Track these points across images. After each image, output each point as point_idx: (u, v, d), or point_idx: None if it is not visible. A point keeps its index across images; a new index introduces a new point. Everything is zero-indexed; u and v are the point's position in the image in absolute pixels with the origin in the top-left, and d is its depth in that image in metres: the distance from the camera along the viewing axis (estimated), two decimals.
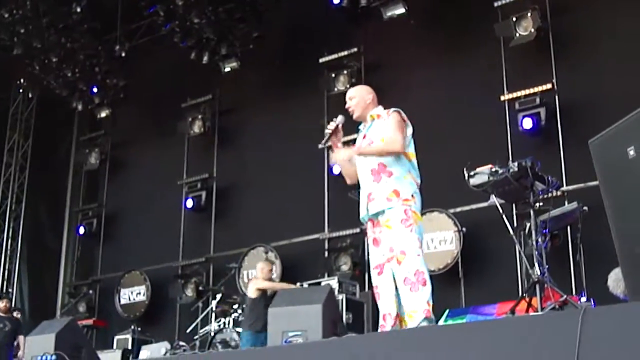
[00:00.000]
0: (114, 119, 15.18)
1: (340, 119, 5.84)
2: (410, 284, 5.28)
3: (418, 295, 5.27)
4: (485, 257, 10.10)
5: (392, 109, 5.76)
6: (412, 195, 5.48)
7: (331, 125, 5.81)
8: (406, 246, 5.35)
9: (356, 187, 6.06)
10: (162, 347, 7.41)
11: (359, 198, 6.08)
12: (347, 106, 5.95)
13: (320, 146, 5.96)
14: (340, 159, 5.73)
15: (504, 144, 10.41)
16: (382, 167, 5.56)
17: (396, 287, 5.42)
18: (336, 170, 11.87)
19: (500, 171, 5.52)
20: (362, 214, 5.67)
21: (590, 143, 4.28)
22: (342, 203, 11.85)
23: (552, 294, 5.29)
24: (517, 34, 10.59)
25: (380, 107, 5.90)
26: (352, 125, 5.99)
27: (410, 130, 5.72)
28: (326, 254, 11.93)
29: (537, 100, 10.32)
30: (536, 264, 5.41)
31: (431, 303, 5.30)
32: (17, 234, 15.89)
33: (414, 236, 5.38)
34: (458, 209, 10.55)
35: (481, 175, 5.59)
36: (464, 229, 10.04)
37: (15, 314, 11.06)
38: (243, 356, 5.25)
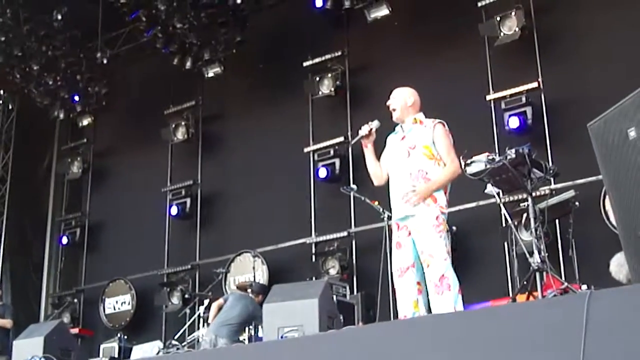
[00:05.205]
0: (96, 127, 15.04)
1: (376, 123, 6.03)
2: (435, 287, 5.38)
3: (443, 298, 5.40)
4: (474, 256, 10.04)
5: (437, 120, 5.92)
6: (446, 204, 5.71)
7: (364, 129, 5.98)
8: (434, 250, 5.49)
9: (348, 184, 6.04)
10: (154, 346, 7.28)
11: (351, 193, 6.06)
12: (388, 103, 6.12)
13: (351, 143, 6.10)
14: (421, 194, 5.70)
15: (490, 143, 10.34)
16: (422, 173, 5.71)
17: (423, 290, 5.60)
18: (322, 174, 11.79)
19: (498, 158, 5.48)
20: (397, 215, 5.73)
21: (590, 126, 4.25)
22: (328, 207, 11.82)
23: (553, 281, 5.25)
24: (502, 34, 10.54)
25: (422, 114, 6.08)
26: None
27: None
28: (314, 258, 11.82)
29: (523, 99, 10.26)
30: (535, 252, 5.36)
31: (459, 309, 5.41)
32: (0, 246, 15.60)
33: (442, 241, 5.53)
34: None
35: (478, 163, 5.57)
36: (454, 228, 9.99)
37: None
38: (239, 352, 5.15)
